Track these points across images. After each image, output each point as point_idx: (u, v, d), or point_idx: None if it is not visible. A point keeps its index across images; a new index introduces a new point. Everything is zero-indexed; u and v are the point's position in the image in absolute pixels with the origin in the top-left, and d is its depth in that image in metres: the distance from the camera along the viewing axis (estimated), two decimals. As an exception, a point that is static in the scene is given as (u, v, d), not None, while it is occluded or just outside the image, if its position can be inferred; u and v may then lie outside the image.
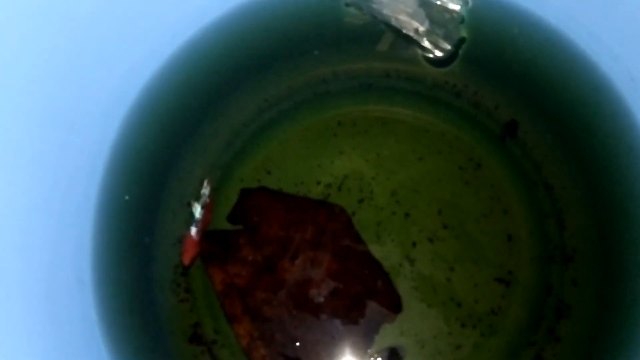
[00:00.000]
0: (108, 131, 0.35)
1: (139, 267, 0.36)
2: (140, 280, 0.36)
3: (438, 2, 0.34)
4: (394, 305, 0.35)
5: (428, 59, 0.36)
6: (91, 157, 0.35)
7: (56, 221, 0.32)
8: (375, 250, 0.35)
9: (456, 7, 0.33)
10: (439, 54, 0.35)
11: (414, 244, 0.35)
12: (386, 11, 0.34)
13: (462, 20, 0.35)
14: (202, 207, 0.32)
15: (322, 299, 0.35)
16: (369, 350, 0.34)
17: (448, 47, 0.35)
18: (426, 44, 0.34)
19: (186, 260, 0.35)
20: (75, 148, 0.34)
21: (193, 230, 0.34)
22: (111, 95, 0.35)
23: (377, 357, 0.34)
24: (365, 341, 0.35)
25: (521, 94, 0.36)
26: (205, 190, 0.32)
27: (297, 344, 0.34)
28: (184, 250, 0.35)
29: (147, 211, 0.36)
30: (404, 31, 0.35)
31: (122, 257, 0.35)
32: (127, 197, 0.35)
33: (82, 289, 0.34)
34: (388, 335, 0.35)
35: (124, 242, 0.35)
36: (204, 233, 0.35)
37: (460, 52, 0.36)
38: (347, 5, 0.36)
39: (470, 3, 0.33)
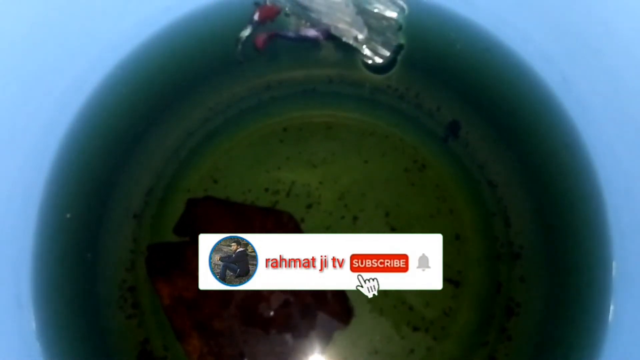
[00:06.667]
0: (48, 147, 0.35)
1: (84, 285, 0.35)
2: (86, 299, 0.35)
3: (375, 10, 0.34)
4: (345, 314, 0.34)
5: (368, 66, 0.37)
6: (31, 174, 0.34)
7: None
8: (325, 256, 0.35)
9: (393, 14, 0.34)
10: (378, 60, 0.36)
11: (363, 248, 0.35)
12: (325, 20, 0.34)
13: (400, 28, 0.35)
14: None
15: (272, 312, 0.34)
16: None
17: (387, 53, 0.35)
18: (366, 51, 0.35)
19: (259, 43, 0.33)
20: (14, 164, 0.33)
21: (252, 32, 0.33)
22: (52, 109, 0.34)
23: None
24: (317, 351, 0.34)
25: (461, 95, 0.37)
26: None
27: (248, 358, 0.33)
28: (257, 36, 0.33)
29: (91, 227, 0.35)
30: (344, 39, 0.35)
31: (65, 276, 0.34)
32: (68, 215, 0.34)
33: (21, 313, 0.32)
34: (341, 342, 0.34)
35: (66, 261, 0.34)
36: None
37: (399, 58, 0.37)
38: (287, 15, 0.36)
39: (407, 10, 0.34)
